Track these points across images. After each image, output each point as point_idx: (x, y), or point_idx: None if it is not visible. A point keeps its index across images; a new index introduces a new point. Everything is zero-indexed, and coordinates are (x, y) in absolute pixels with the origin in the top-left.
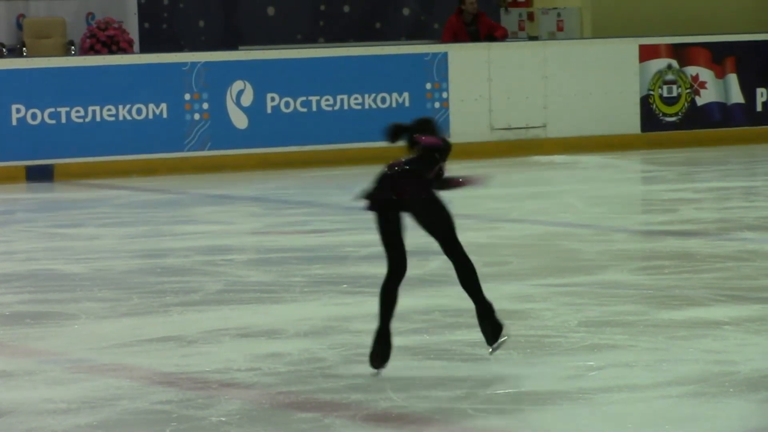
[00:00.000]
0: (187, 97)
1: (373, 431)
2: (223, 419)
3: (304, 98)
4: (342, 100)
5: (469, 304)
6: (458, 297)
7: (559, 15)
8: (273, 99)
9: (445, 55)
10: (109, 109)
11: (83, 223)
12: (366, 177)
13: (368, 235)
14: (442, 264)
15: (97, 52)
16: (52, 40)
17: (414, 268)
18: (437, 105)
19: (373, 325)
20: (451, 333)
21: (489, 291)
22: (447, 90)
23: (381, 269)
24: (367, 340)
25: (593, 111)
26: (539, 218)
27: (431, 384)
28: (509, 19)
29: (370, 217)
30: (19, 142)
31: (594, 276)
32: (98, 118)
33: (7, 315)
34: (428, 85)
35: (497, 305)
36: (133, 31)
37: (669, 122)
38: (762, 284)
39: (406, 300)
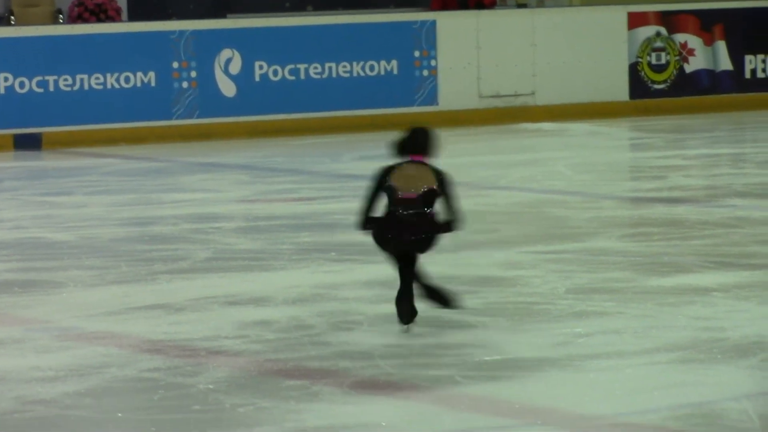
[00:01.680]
0: (176, 65)
1: (361, 398)
2: (211, 387)
3: (292, 66)
4: (330, 68)
5: (458, 271)
6: (447, 264)
7: None
8: (261, 67)
9: (434, 22)
10: (97, 78)
11: (71, 192)
12: (353, 145)
13: (356, 203)
14: None
15: (85, 21)
16: (40, 8)
17: None
18: (426, 73)
19: (361, 292)
20: None
21: (477, 258)
22: (435, 58)
23: (369, 237)
24: (355, 307)
25: (582, 78)
26: (528, 185)
27: (419, 351)
28: None
29: (359, 185)
30: (7, 111)
31: (582, 243)
32: (86, 87)
33: None
34: (417, 53)
35: (486, 272)
36: None
37: (657, 89)
38: (750, 251)
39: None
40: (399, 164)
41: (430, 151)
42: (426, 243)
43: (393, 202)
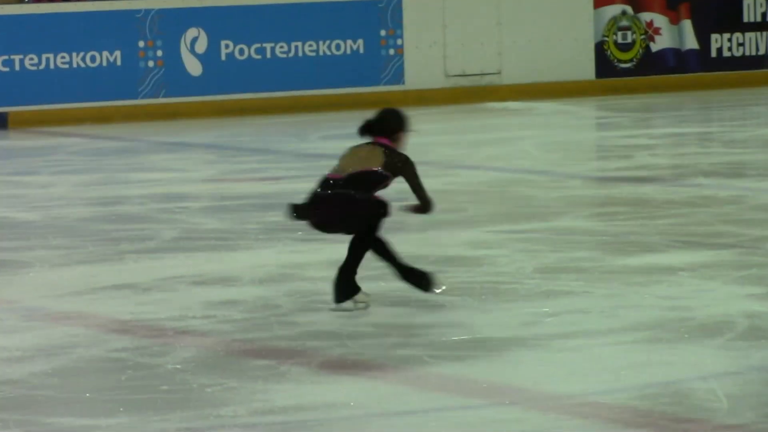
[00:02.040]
0: (141, 44)
1: (329, 378)
2: (179, 367)
3: (258, 45)
4: (296, 47)
5: (426, 251)
6: (414, 243)
7: None
8: (227, 46)
9: (399, 1)
10: (62, 57)
11: (37, 171)
12: (319, 124)
13: None
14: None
15: (51, 0)
16: None
17: None
18: (392, 52)
19: (328, 272)
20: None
21: (444, 238)
22: (401, 37)
23: None
24: (323, 287)
25: (548, 57)
26: (494, 165)
27: (387, 331)
28: None
29: (326, 165)
30: None
31: (549, 222)
32: (52, 66)
33: None
34: (382, 32)
35: (453, 252)
36: None
37: (624, 68)
38: (717, 230)
39: None
40: (355, 145)
41: (389, 133)
42: (340, 224)
43: (320, 182)
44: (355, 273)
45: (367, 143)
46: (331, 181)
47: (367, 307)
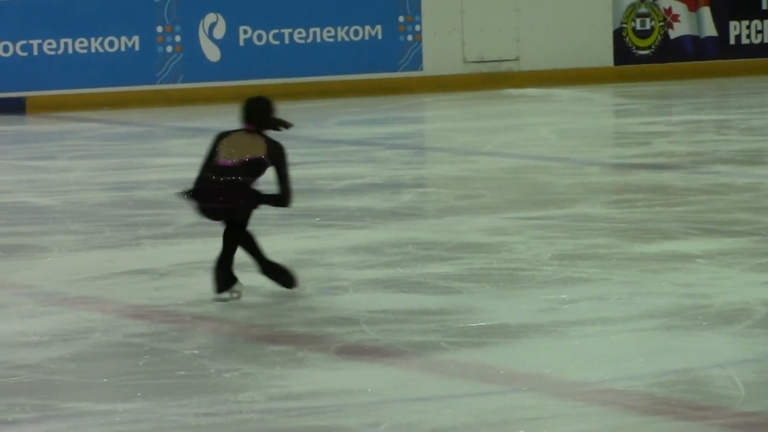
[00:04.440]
0: (160, 29)
1: (346, 364)
2: (196, 352)
3: (276, 31)
4: (315, 33)
5: (443, 237)
6: (431, 230)
7: None
8: (245, 31)
9: None
10: (81, 42)
11: (55, 156)
12: (337, 110)
13: (341, 168)
14: (415, 197)
15: None
16: None
17: (386, 201)
18: (410, 38)
19: (346, 258)
20: (423, 266)
21: (461, 224)
22: (420, 23)
23: (353, 202)
24: (340, 273)
25: (566, 44)
26: (512, 151)
27: (404, 317)
28: None
29: (343, 150)
30: None
31: (567, 209)
32: (70, 51)
33: None
34: (401, 18)
35: (470, 238)
36: None
37: (642, 55)
38: (734, 217)
39: (378, 233)
40: (234, 131)
41: (264, 121)
42: (231, 211)
43: (210, 168)
44: (232, 263)
45: (244, 130)
46: (221, 168)
47: (239, 297)
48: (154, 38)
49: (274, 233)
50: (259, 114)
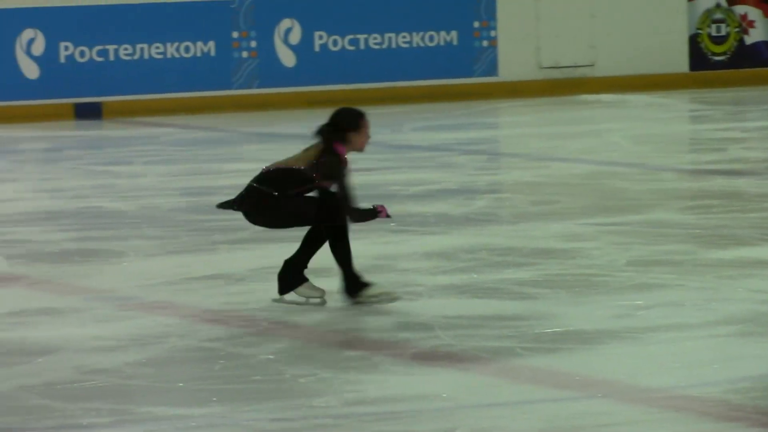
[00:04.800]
0: (235, 35)
1: (421, 369)
2: (271, 357)
3: (352, 36)
4: (390, 39)
5: (517, 243)
6: (506, 236)
7: None
8: (321, 37)
9: None
10: (157, 47)
11: (131, 161)
12: (412, 115)
13: (415, 174)
14: (489, 203)
15: None
16: None
17: (461, 206)
18: (485, 44)
19: (421, 263)
20: (498, 272)
21: (536, 230)
22: (495, 28)
23: (428, 208)
24: (415, 278)
25: (641, 50)
26: (586, 157)
27: (479, 323)
28: None
29: (418, 156)
30: (68, 80)
31: (642, 215)
32: (146, 56)
33: (56, 253)
34: (476, 24)
35: (545, 244)
36: None
37: (717, 61)
38: None
39: (453, 239)
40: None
41: (329, 134)
42: (250, 215)
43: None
44: (305, 266)
45: (317, 143)
46: (260, 173)
47: (323, 302)
48: (229, 44)
49: (350, 238)
50: (329, 125)
